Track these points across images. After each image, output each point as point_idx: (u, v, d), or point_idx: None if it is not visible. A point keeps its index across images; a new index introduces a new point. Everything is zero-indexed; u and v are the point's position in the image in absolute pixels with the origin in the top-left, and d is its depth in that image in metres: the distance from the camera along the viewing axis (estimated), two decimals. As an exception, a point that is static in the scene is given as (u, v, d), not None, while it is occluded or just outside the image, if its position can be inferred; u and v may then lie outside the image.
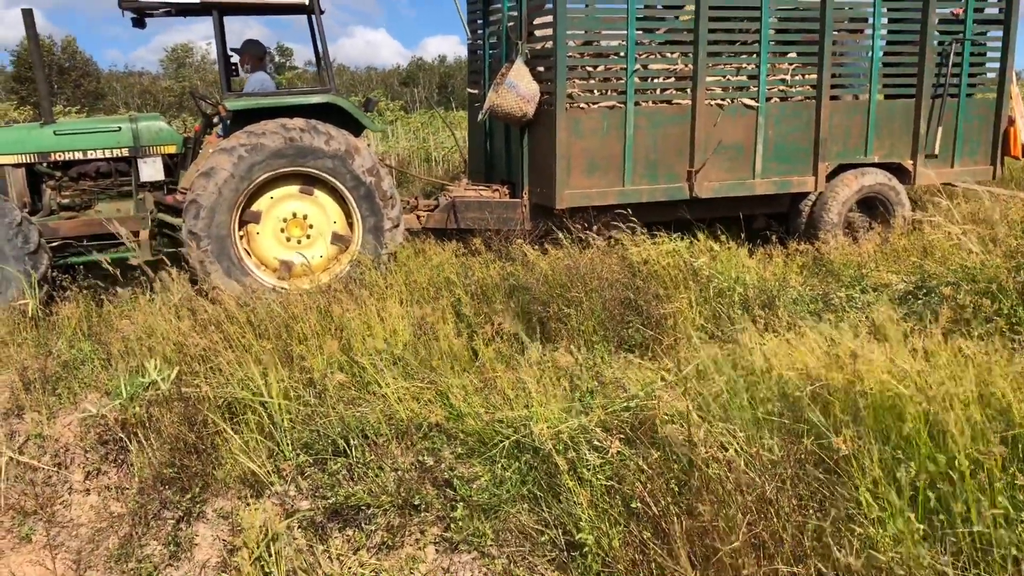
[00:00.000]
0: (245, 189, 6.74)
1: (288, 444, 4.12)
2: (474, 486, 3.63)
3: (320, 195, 7.15)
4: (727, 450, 3.10)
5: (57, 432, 5.17)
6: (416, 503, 3.65)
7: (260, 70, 7.94)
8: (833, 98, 8.17)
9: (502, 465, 3.64)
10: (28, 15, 6.95)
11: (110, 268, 6.41)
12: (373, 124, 7.52)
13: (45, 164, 7.21)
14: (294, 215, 7.11)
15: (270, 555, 3.69)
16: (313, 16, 7.38)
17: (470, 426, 3.88)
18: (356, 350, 4.55)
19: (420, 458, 3.86)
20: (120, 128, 7.25)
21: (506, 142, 8.56)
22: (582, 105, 7.43)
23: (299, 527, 3.86)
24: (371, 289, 6.04)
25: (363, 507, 3.77)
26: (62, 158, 7.16)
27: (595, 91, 7.52)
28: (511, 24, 7.97)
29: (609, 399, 3.82)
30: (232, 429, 4.32)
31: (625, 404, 3.66)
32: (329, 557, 3.75)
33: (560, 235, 6.73)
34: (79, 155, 7.18)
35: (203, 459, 4.34)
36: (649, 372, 4.10)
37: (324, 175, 6.95)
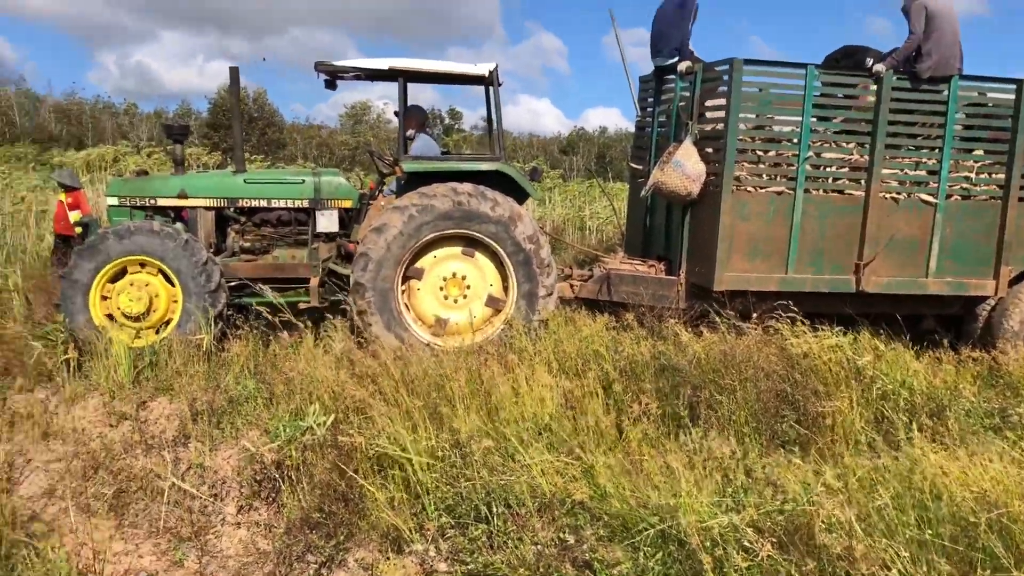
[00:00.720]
0: (412, 246, 7.04)
1: (431, 504, 4.17)
2: (615, 571, 3.55)
3: (480, 258, 7.37)
4: (890, 569, 2.91)
5: (217, 464, 5.44)
6: (563, 579, 3.61)
7: (423, 133, 8.39)
8: (1021, 200, 7.70)
9: (645, 554, 3.55)
10: (234, 72, 7.59)
11: (284, 310, 6.77)
12: (537, 193, 7.70)
13: (233, 209, 7.76)
14: (454, 275, 7.36)
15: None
16: (490, 87, 7.68)
17: (615, 508, 3.81)
18: (503, 417, 4.58)
19: (561, 535, 3.82)
20: (304, 181, 7.72)
21: (666, 219, 8.53)
22: (749, 188, 7.34)
23: (436, 588, 3.88)
24: (520, 355, 6.09)
25: (494, 578, 3.76)
26: (249, 204, 7.69)
27: (764, 175, 7.42)
28: (682, 104, 8.01)
29: (763, 498, 3.67)
30: (379, 482, 4.43)
31: (780, 506, 3.50)
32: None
33: (716, 318, 6.59)
34: (264, 203, 7.69)
35: (350, 508, 4.45)
36: (807, 474, 3.91)
37: (486, 239, 7.17)
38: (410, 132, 8.23)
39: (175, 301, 7.02)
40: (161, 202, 7.61)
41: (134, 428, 5.94)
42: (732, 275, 7.34)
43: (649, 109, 9.08)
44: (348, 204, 7.76)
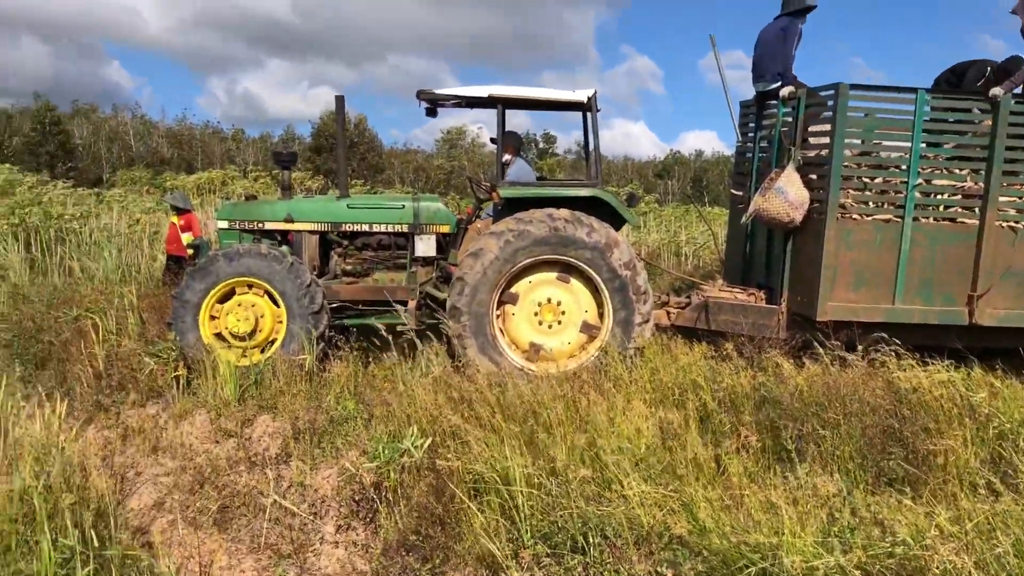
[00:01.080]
0: (507, 271, 7.11)
1: (527, 531, 4.16)
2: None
3: (575, 283, 7.37)
4: (1012, 622, 2.76)
5: (317, 483, 5.56)
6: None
7: (518, 158, 8.49)
8: None
9: (746, 593, 3.46)
10: (340, 101, 7.84)
11: (383, 332, 6.91)
12: (634, 219, 7.66)
13: (336, 233, 8.01)
14: (548, 300, 7.38)
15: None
16: (588, 113, 7.69)
17: (714, 544, 3.72)
18: (600, 446, 4.54)
19: (659, 568, 3.75)
20: (403, 207, 7.92)
21: (768, 246, 8.36)
22: (854, 216, 7.13)
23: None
24: (616, 383, 6.04)
25: (595, 610, 3.71)
26: (351, 229, 7.95)
27: (870, 203, 7.20)
28: (784, 129, 7.85)
29: (870, 539, 3.53)
30: (476, 507, 4.44)
31: (890, 548, 3.36)
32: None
33: (819, 349, 6.40)
34: (366, 227, 7.93)
35: (446, 532, 4.48)
36: (919, 515, 3.75)
37: (582, 265, 7.17)
38: (506, 157, 8.32)
39: (280, 322, 7.24)
40: (268, 226, 7.91)
41: (238, 445, 6.12)
42: (835, 305, 7.14)
43: (750, 134, 8.94)
44: (446, 229, 7.91)
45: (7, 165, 20.09)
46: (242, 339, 7.25)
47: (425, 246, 7.87)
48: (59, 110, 59.88)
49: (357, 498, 5.23)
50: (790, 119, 7.69)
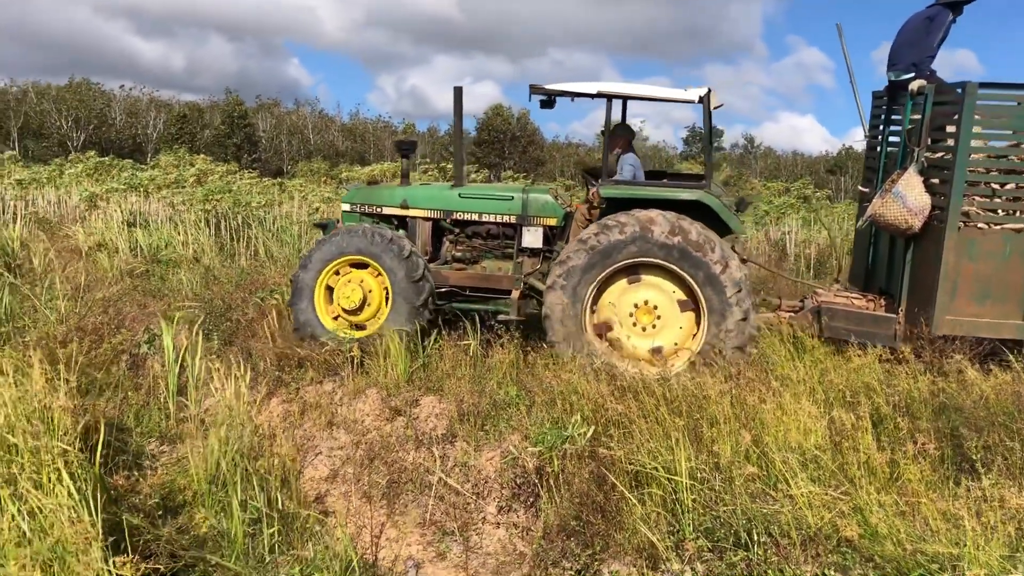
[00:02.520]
0: (596, 277, 7.08)
1: (689, 524, 4.14)
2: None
3: (648, 278, 7.21)
4: None
5: (480, 464, 5.73)
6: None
7: (630, 152, 8.30)
8: None
9: (922, 603, 3.32)
10: (458, 92, 8.07)
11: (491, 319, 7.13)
12: (740, 227, 7.40)
13: (448, 220, 8.24)
14: (636, 305, 7.25)
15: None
16: (704, 111, 7.38)
17: (888, 551, 3.59)
18: (767, 444, 4.46)
19: (826, 571, 3.65)
20: (513, 198, 8.03)
21: (890, 250, 7.85)
22: (980, 225, 6.62)
23: (690, 610, 3.85)
24: (783, 382, 5.89)
25: (758, 608, 3.66)
26: (462, 217, 8.16)
27: (999, 211, 6.64)
28: (910, 128, 7.34)
29: (1065, 558, 3.31)
30: (638, 498, 4.46)
31: (1088, 569, 3.13)
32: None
33: (1010, 357, 5.99)
34: (476, 216, 8.11)
35: (607, 519, 4.52)
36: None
37: (676, 268, 6.96)
38: (616, 151, 8.25)
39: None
40: (386, 210, 8.31)
41: (407, 424, 6.39)
42: (955, 319, 6.66)
43: (880, 128, 8.36)
44: (553, 222, 7.93)
45: (202, 156, 21.69)
46: (353, 313, 7.63)
47: (532, 237, 7.93)
48: (245, 105, 64.06)
49: (519, 481, 5.35)
50: (917, 116, 7.18)
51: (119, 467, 4.28)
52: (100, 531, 2.90)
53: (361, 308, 7.64)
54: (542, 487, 5.11)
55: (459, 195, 8.16)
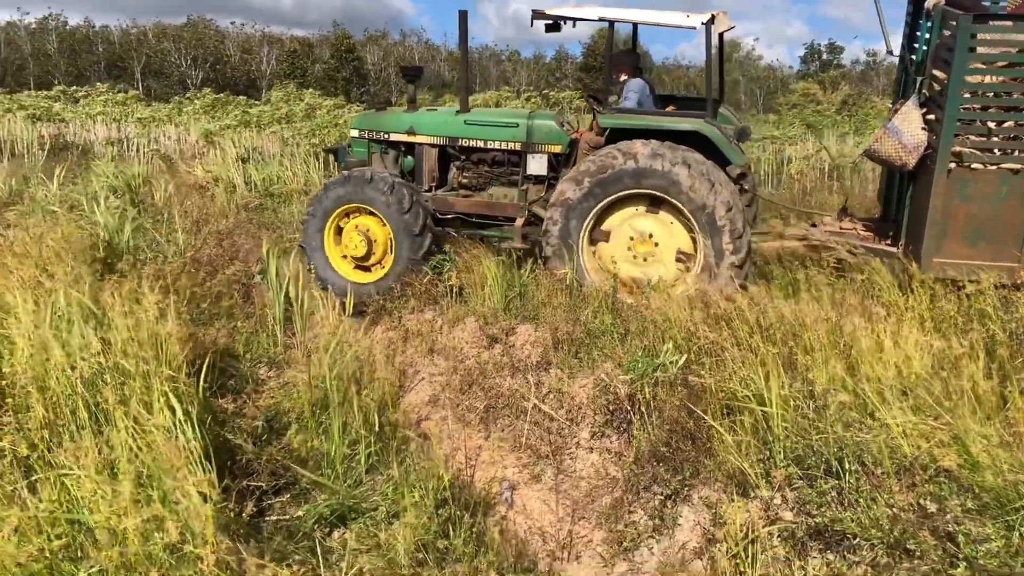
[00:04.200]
0: (590, 212, 7.17)
1: (780, 452, 4.10)
2: (982, 548, 3.25)
3: (665, 215, 7.19)
4: None
5: (574, 391, 5.79)
6: (910, 547, 3.39)
7: (637, 78, 8.05)
8: None
9: (1022, 534, 3.20)
10: (462, 16, 7.98)
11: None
12: (739, 158, 7.17)
13: (454, 147, 8.24)
14: (640, 233, 7.27)
15: (746, 556, 3.73)
16: (708, 39, 7.15)
17: (988, 481, 3.46)
18: (863, 373, 4.33)
19: (921, 501, 3.56)
20: (518, 124, 7.96)
21: (900, 180, 7.41)
22: (974, 165, 6.20)
23: (779, 536, 3.83)
24: (889, 308, 5.68)
25: (849, 535, 3.61)
26: (468, 144, 8.14)
27: (996, 150, 6.21)
28: (913, 56, 6.86)
29: None
30: (728, 425, 4.43)
31: None
32: (805, 575, 3.67)
33: None
34: (481, 143, 8.10)
35: (697, 447, 4.53)
36: None
37: (667, 197, 6.97)
38: (623, 78, 8.08)
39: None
40: (393, 136, 8.36)
41: (504, 351, 6.50)
42: (945, 262, 6.39)
43: (904, 43, 7.71)
44: (557, 149, 7.87)
45: (310, 90, 22.13)
46: (363, 260, 7.79)
47: (537, 164, 7.90)
48: (352, 38, 64.70)
49: (612, 408, 5.39)
50: (930, 37, 6.60)
51: (227, 391, 4.54)
52: (199, 449, 3.11)
53: (368, 256, 7.80)
54: (634, 414, 5.14)
55: (464, 122, 8.16)
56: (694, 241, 7.09)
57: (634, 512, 4.72)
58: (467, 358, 6.66)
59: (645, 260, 7.28)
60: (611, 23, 7.33)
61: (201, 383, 3.59)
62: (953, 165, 6.29)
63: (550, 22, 7.63)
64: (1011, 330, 5.31)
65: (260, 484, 3.47)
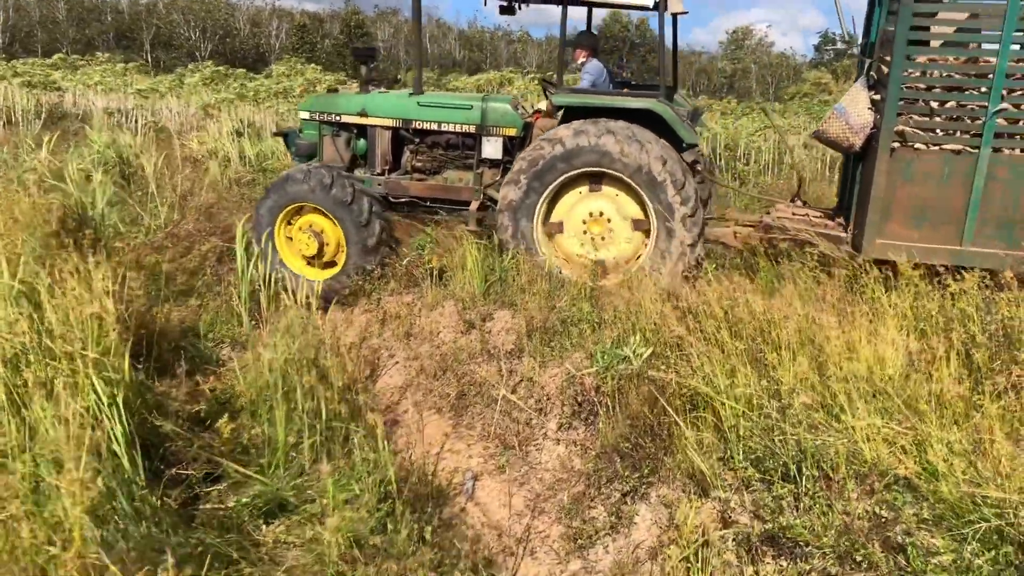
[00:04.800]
0: (542, 195, 7.11)
1: (740, 452, 3.98)
2: (932, 562, 3.13)
3: (608, 189, 7.18)
4: None
5: (544, 380, 5.69)
6: (859, 558, 3.28)
7: (594, 59, 8.00)
8: None
9: (972, 550, 3.08)
10: None
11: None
12: (689, 136, 7.07)
13: (407, 130, 8.07)
14: (591, 214, 7.24)
15: (698, 560, 3.63)
16: (660, 17, 7.06)
17: (943, 491, 3.34)
18: (832, 373, 4.20)
19: (876, 509, 3.44)
20: (471, 107, 7.84)
21: (853, 167, 7.35)
22: (917, 145, 6.16)
23: (733, 540, 3.73)
24: (872, 306, 5.54)
25: (801, 543, 3.50)
26: (421, 127, 7.97)
27: (937, 130, 6.14)
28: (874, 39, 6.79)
29: None
30: (690, 420, 4.32)
31: None
32: (755, 581, 3.56)
33: None
34: (435, 126, 7.94)
35: (657, 443, 4.42)
36: None
37: (625, 178, 6.94)
38: (580, 60, 8.04)
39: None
40: (344, 118, 8.15)
41: (480, 337, 6.39)
42: (886, 243, 6.32)
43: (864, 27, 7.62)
44: (512, 132, 7.76)
45: (312, 66, 21.96)
46: (318, 257, 7.64)
47: (492, 148, 7.79)
48: (362, 14, 64.32)
49: (580, 399, 5.29)
50: (890, 28, 6.46)
51: (176, 374, 4.42)
52: (119, 436, 3.00)
53: (322, 251, 7.63)
54: (600, 406, 5.03)
55: (418, 103, 7.98)
56: (643, 208, 7.07)
57: (594, 508, 4.63)
58: (443, 343, 6.56)
59: (603, 239, 7.27)
60: (564, 4, 7.17)
61: (126, 366, 3.44)
62: (896, 144, 6.24)
63: (504, 3, 7.59)
64: (991, 332, 5.17)
65: (191, 472, 3.37)
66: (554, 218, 7.35)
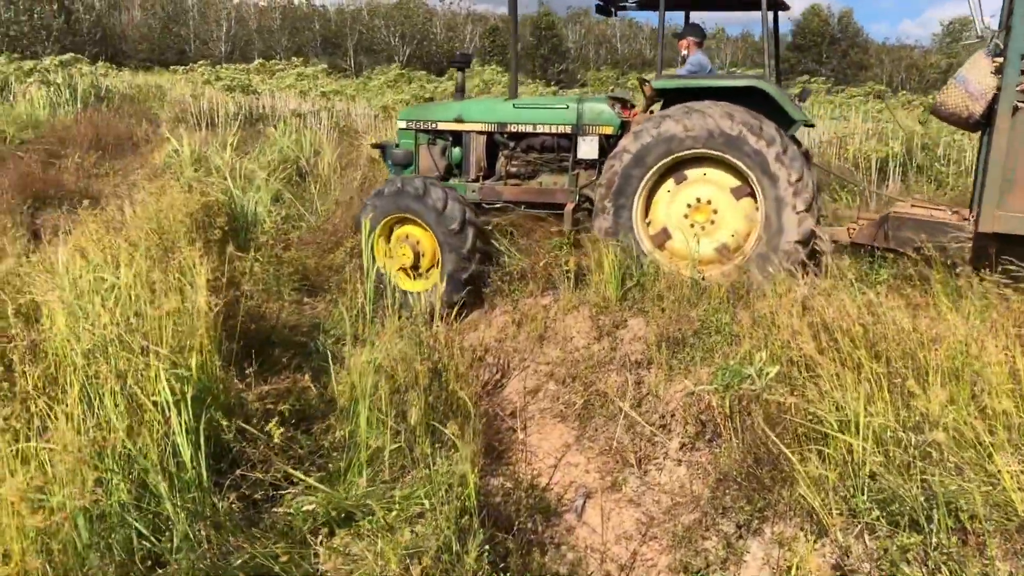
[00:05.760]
0: (646, 174, 6.83)
1: (864, 493, 3.48)
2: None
3: (701, 173, 6.90)
4: None
5: (669, 395, 5.32)
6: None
7: (698, 54, 7.78)
8: None
9: None
10: None
11: None
12: (798, 114, 6.75)
13: (502, 134, 7.87)
14: (699, 200, 6.91)
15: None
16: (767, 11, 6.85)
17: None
18: (986, 405, 3.59)
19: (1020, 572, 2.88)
20: (567, 107, 7.63)
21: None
22: None
23: (850, 592, 3.26)
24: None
25: (924, 604, 3.00)
26: (516, 130, 7.78)
27: None
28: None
29: None
30: (817, 449, 3.83)
31: None
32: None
33: None
34: (529, 128, 7.71)
35: (774, 474, 3.97)
36: None
37: (728, 158, 6.62)
38: (684, 51, 7.82)
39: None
40: (440, 126, 8.05)
41: (611, 346, 6.10)
42: (1008, 215, 5.68)
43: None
44: (609, 131, 7.48)
45: (491, 66, 22.26)
46: (414, 268, 7.46)
47: (587, 147, 7.52)
48: (553, 15, 64.90)
49: (703, 419, 4.89)
50: None
51: (277, 372, 4.44)
52: (183, 435, 2.98)
53: (418, 261, 7.47)
54: (724, 428, 4.62)
55: (513, 106, 7.82)
56: (741, 177, 6.76)
57: (708, 539, 4.25)
58: (575, 349, 6.33)
59: (712, 223, 6.92)
60: (662, 9, 7.08)
61: (194, 363, 3.40)
62: (1019, 104, 5.59)
63: (600, 3, 7.51)
64: None
65: (258, 475, 3.31)
66: (655, 228, 7.11)
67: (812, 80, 22.36)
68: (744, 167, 6.58)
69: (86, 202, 6.79)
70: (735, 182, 6.79)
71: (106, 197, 8.32)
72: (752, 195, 6.73)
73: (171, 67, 27.35)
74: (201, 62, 25.68)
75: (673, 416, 5.17)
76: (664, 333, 5.84)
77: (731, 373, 4.47)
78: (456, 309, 7.14)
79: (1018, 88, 5.59)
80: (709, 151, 6.64)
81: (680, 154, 6.72)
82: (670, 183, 7.00)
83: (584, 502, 4.89)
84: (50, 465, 2.70)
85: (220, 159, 10.98)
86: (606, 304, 6.55)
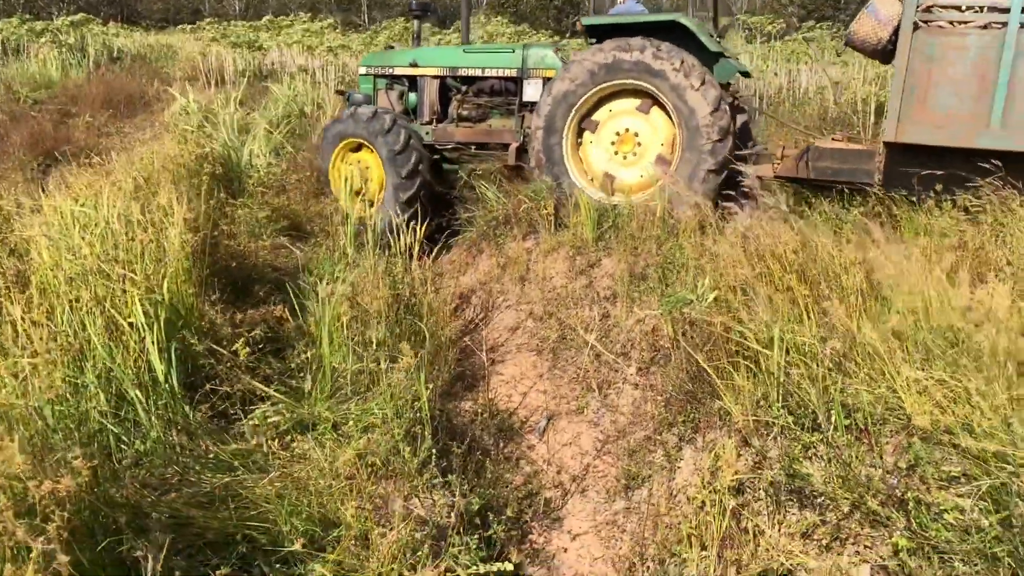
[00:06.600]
0: (577, 103, 7.21)
1: (778, 400, 3.82)
2: (940, 521, 2.91)
3: (657, 115, 7.18)
4: None
5: (630, 325, 5.66)
6: (877, 513, 3.08)
7: (632, 2, 8.07)
8: None
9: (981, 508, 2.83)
10: None
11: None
12: (713, 45, 7.13)
13: (453, 78, 8.33)
14: (627, 130, 7.29)
15: (724, 509, 3.51)
16: None
17: (966, 444, 3.07)
18: (886, 320, 3.87)
19: (899, 464, 3.22)
20: (514, 52, 8.12)
21: None
22: (941, 23, 5.82)
23: (763, 488, 3.61)
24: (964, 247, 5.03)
25: (816, 493, 3.35)
26: (466, 74, 8.30)
27: (963, 7, 5.78)
28: None
29: None
30: (745, 366, 4.15)
31: None
32: (775, 530, 3.45)
33: None
34: (479, 72, 8.19)
35: (706, 388, 4.32)
36: None
37: (649, 88, 6.97)
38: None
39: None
40: (397, 71, 8.59)
41: (588, 283, 6.44)
42: (914, 127, 5.94)
43: None
44: (552, 74, 7.79)
45: (498, 19, 22.25)
46: (362, 193, 7.98)
47: (532, 90, 7.92)
48: (568, -35, 63.79)
49: (655, 346, 5.24)
50: None
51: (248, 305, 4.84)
52: (153, 352, 3.37)
53: (368, 187, 8.05)
54: (673, 351, 4.96)
55: (463, 51, 8.30)
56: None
57: (654, 451, 4.62)
58: (553, 288, 6.66)
59: (625, 159, 7.36)
60: None
61: (165, 289, 3.76)
62: (918, 22, 5.87)
63: None
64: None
65: (226, 389, 3.70)
66: (598, 179, 7.49)
67: (819, 27, 22.17)
68: (664, 98, 6.94)
69: (96, 159, 7.16)
70: (637, 100, 7.22)
71: (116, 153, 8.71)
72: (660, 105, 7.11)
73: (180, 26, 27.59)
74: (209, 20, 25.88)
75: (633, 345, 5.53)
76: (632, 270, 6.17)
77: (676, 299, 4.80)
78: (436, 249, 7.59)
79: (919, 7, 5.84)
80: (632, 81, 7.02)
81: (602, 85, 7.13)
82: (587, 135, 7.44)
83: (547, 424, 5.28)
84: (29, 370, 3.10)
85: (224, 114, 11.33)
86: (583, 245, 6.86)
